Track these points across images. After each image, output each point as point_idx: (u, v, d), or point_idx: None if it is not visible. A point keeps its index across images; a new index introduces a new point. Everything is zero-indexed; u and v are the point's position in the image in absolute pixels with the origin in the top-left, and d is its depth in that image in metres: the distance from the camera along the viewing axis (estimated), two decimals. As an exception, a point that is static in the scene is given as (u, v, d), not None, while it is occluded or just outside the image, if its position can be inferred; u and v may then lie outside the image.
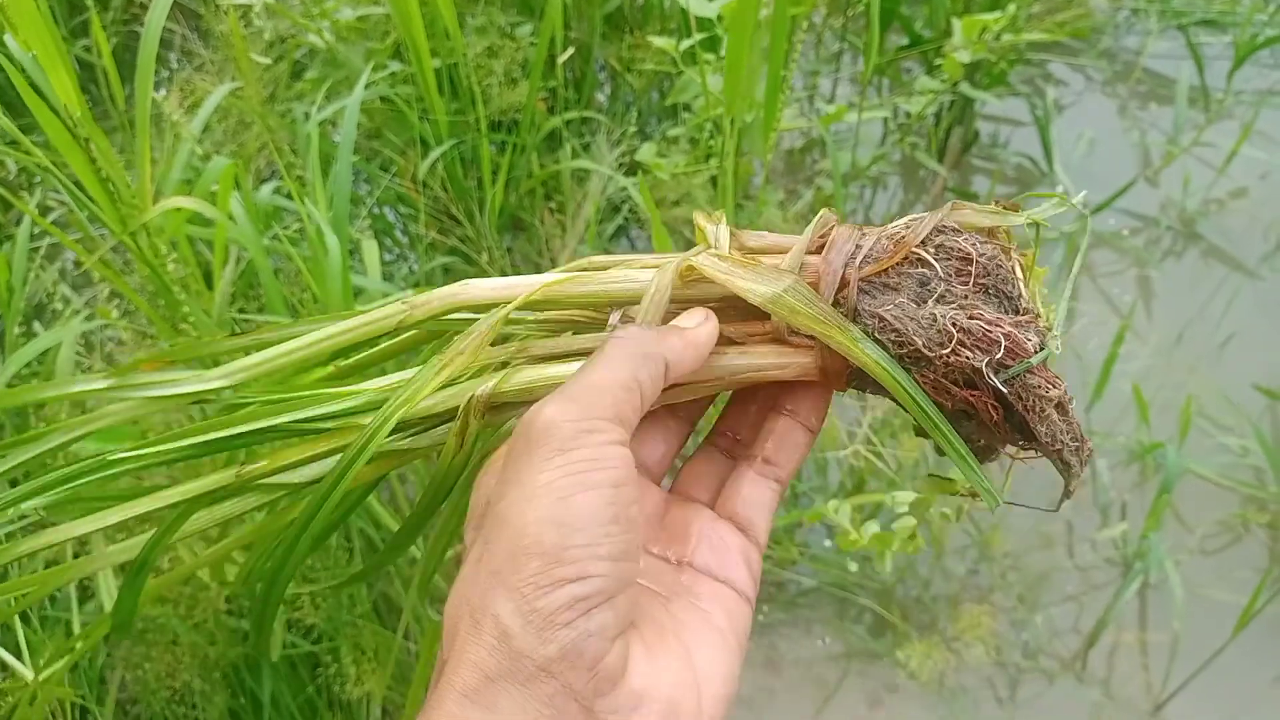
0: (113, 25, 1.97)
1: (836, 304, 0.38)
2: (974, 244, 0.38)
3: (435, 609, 1.24)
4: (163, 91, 1.50)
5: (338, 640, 1.06)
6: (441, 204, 1.52)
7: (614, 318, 0.42)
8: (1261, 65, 2.23)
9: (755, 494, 0.42)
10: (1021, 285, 0.38)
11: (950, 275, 0.38)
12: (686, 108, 1.69)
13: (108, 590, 0.85)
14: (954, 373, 0.37)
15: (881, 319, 0.37)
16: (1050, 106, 2.11)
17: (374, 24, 1.59)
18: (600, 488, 0.33)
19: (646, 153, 1.56)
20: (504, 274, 1.56)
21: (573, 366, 0.41)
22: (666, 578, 0.39)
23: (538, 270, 1.70)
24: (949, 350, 0.36)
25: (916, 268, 0.38)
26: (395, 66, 1.53)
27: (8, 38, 0.77)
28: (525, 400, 0.41)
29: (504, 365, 0.42)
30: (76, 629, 1.01)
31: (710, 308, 0.41)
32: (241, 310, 1.24)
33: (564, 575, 0.31)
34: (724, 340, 0.41)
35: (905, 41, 2.06)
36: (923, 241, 0.39)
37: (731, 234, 0.42)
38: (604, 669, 0.32)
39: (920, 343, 0.37)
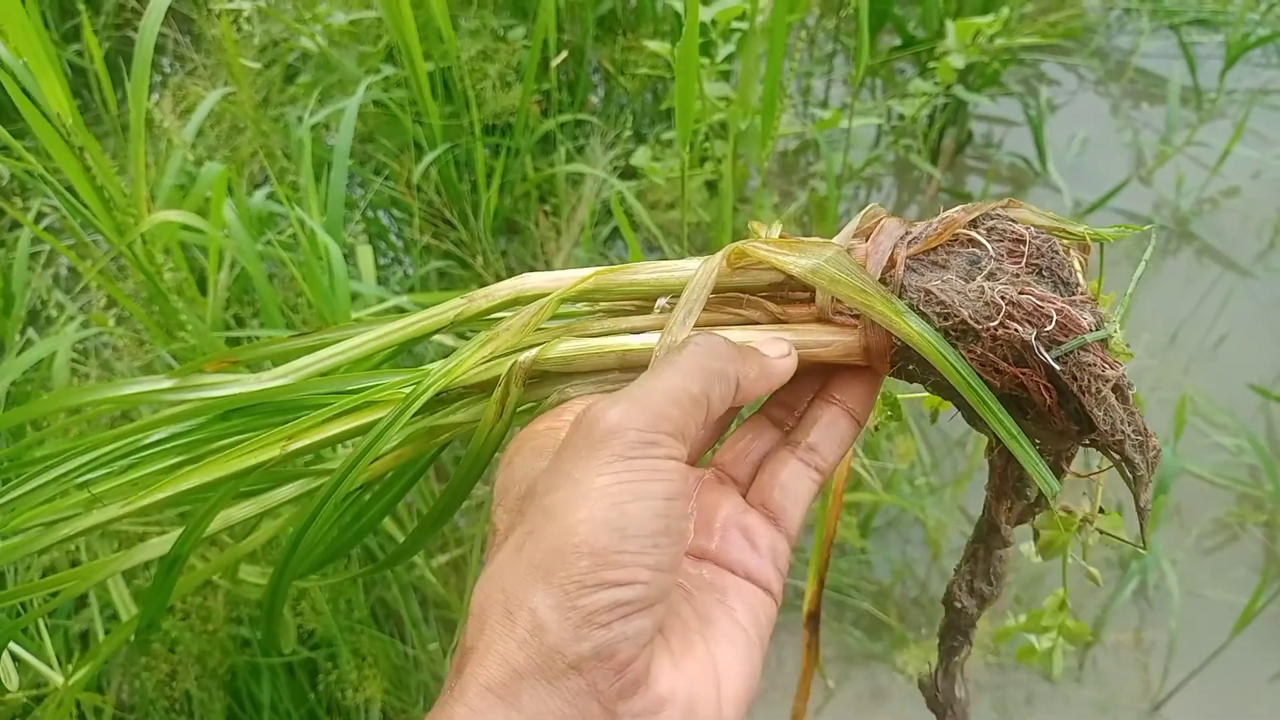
0: (104, 30, 1.97)
1: (883, 282, 0.38)
2: (1028, 228, 0.38)
3: (433, 608, 1.24)
4: (155, 96, 1.49)
5: (336, 646, 1.06)
6: (436, 208, 1.52)
7: (661, 303, 0.42)
8: (1253, 64, 2.23)
9: (793, 483, 0.41)
10: (1079, 274, 0.37)
11: (1001, 255, 0.37)
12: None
13: (120, 598, 0.84)
14: (1002, 347, 0.35)
15: (927, 292, 0.36)
16: (1043, 106, 2.12)
17: (366, 28, 1.59)
18: (655, 499, 0.32)
19: (641, 157, 1.56)
20: (499, 277, 1.55)
21: (618, 340, 0.41)
22: (691, 570, 0.39)
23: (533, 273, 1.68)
24: (997, 323, 0.35)
25: (967, 248, 0.37)
26: (388, 70, 1.52)
27: None
28: (567, 370, 0.41)
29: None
30: (74, 636, 1.00)
31: (757, 295, 0.41)
32: (236, 316, 1.23)
33: (611, 578, 0.31)
34: (768, 319, 0.41)
35: (898, 42, 2.06)
36: (973, 223, 0.38)
37: (782, 234, 0.42)
38: (631, 673, 0.31)
39: (967, 314, 0.35)
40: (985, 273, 0.37)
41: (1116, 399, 0.36)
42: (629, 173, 1.68)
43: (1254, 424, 1.59)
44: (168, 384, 0.46)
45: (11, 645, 0.73)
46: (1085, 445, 0.37)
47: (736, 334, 0.40)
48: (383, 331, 0.45)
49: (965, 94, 1.90)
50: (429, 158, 1.44)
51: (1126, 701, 1.39)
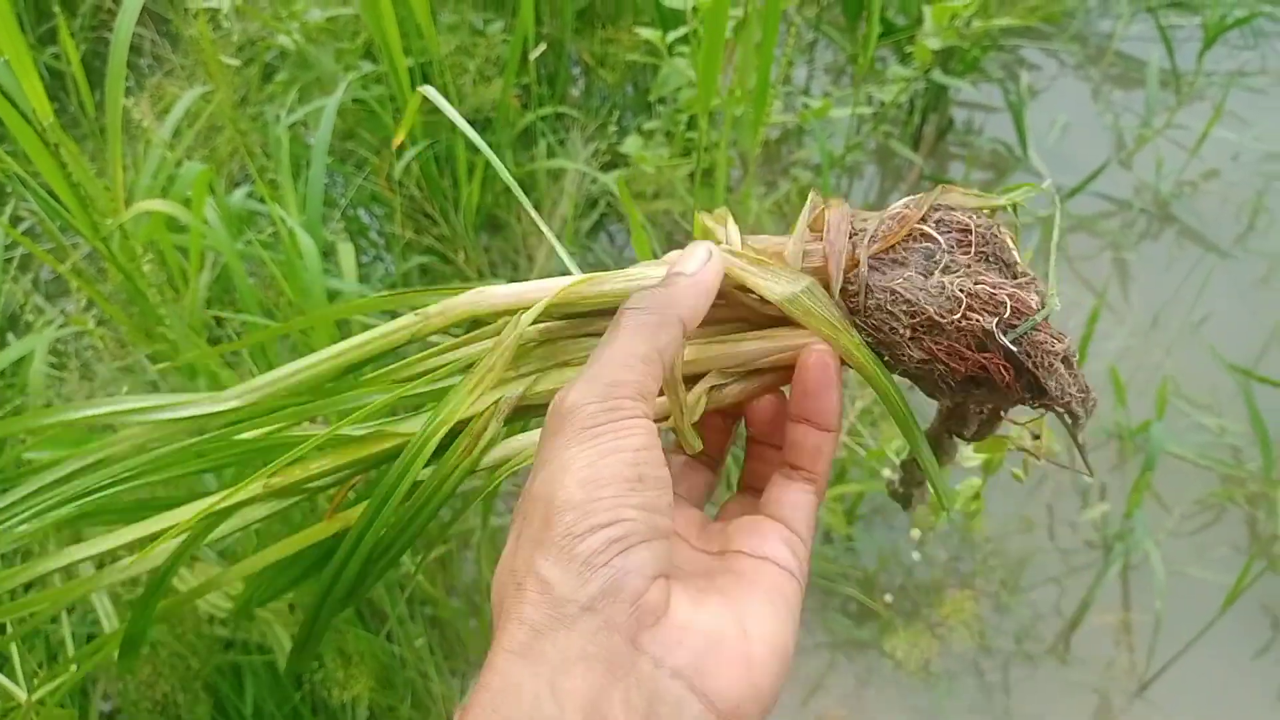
0: (80, 32, 1.96)
1: (848, 283, 0.40)
2: (970, 216, 0.40)
3: (419, 605, 1.24)
4: (132, 98, 1.48)
5: (320, 645, 1.06)
6: (417, 204, 1.52)
7: None
8: (1231, 46, 2.24)
9: (788, 497, 0.42)
10: (1016, 253, 0.40)
11: (953, 246, 0.40)
12: (662, 101, 1.69)
13: (104, 610, 0.84)
14: (966, 337, 0.38)
15: (893, 292, 0.39)
16: (1024, 92, 2.12)
17: (343, 24, 1.58)
18: (624, 452, 0.34)
19: (632, 145, 1.56)
20: (480, 273, 1.55)
21: None
22: (705, 565, 0.40)
23: (514, 269, 1.68)
24: (959, 315, 0.38)
25: (921, 242, 0.40)
26: (366, 67, 1.52)
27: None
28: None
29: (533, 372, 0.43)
30: (66, 640, 1.00)
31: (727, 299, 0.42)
32: (217, 317, 1.23)
33: (596, 522, 0.33)
34: (755, 316, 0.42)
35: (879, 30, 2.06)
36: (923, 217, 0.40)
37: (742, 236, 0.43)
38: (645, 604, 0.33)
39: (932, 310, 0.38)
40: (941, 266, 0.39)
41: (1065, 368, 0.38)
42: (611, 165, 1.68)
43: (1235, 404, 1.60)
44: (121, 407, 0.46)
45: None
46: (1033, 407, 0.40)
47: (732, 344, 0.42)
48: (334, 352, 0.45)
49: (945, 79, 1.90)
50: (409, 154, 1.44)
51: (1113, 682, 1.40)
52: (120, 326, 1.09)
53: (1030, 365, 0.38)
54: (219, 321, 1.23)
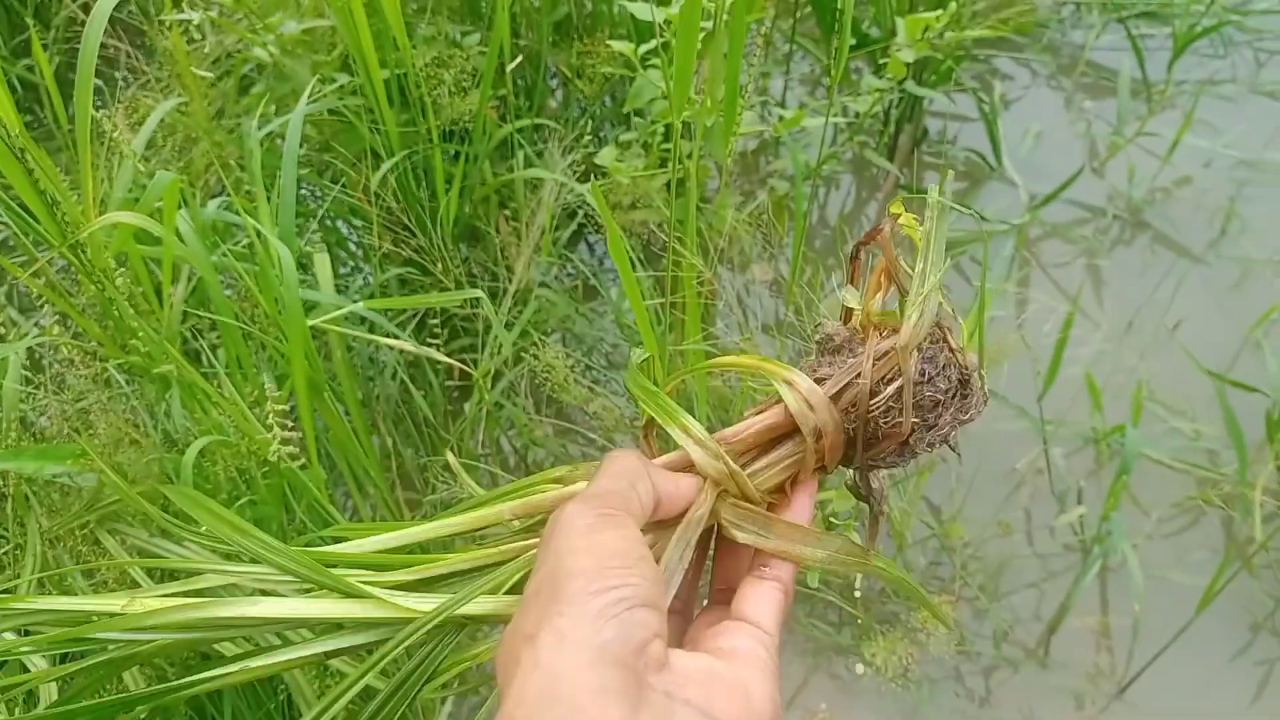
0: (55, 45, 1.95)
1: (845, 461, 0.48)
2: (934, 391, 0.46)
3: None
4: (106, 110, 1.48)
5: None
6: (395, 215, 1.52)
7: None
8: (1200, 55, 2.27)
9: (755, 594, 0.45)
10: (972, 369, 0.47)
11: (917, 426, 0.47)
12: (639, 113, 1.70)
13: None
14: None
15: (880, 482, 0.50)
16: (997, 102, 2.14)
17: (320, 36, 1.58)
18: (622, 534, 0.40)
19: (607, 156, 1.56)
20: (459, 283, 1.54)
21: None
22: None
23: (494, 280, 1.66)
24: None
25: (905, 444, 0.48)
26: (343, 79, 1.52)
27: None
28: None
29: None
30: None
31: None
32: (195, 329, 1.22)
33: (606, 584, 0.37)
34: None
35: (853, 42, 2.08)
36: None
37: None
38: (650, 653, 0.36)
39: (904, 464, 0.48)
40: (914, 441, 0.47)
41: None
42: (588, 176, 1.69)
43: (1210, 408, 1.62)
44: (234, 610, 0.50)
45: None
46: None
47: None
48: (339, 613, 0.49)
49: (918, 90, 1.91)
50: (386, 165, 1.44)
51: (1092, 685, 1.40)
52: (93, 339, 1.09)
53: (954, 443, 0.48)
54: (197, 333, 1.22)
